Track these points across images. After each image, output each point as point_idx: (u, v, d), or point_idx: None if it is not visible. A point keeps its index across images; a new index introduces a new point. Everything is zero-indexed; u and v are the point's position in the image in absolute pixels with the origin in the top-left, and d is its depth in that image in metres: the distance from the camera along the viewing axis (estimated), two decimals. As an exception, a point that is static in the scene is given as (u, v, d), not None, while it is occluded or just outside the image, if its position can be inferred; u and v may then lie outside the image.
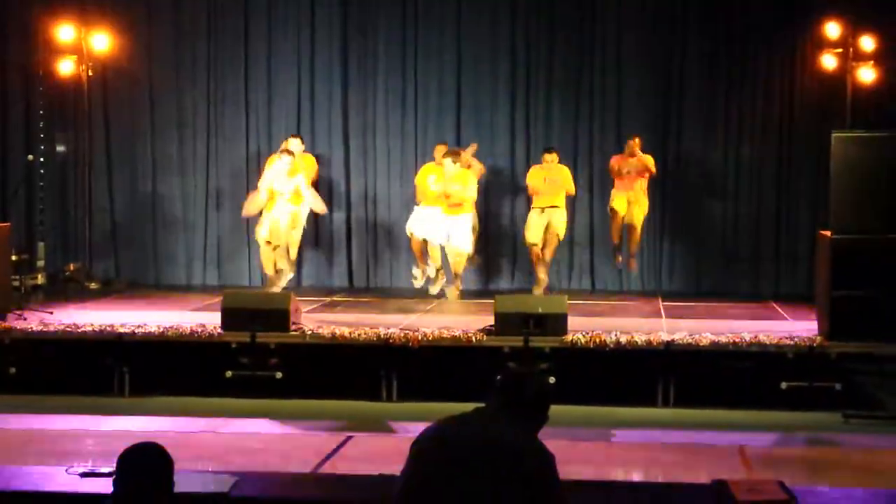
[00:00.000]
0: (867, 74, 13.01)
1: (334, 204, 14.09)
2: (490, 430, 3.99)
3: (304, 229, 12.93)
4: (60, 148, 14.81)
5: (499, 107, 14.26)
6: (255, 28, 14.51)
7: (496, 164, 14.07)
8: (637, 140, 13.03)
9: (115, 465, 3.76)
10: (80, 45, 13.76)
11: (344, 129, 14.43)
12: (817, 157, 13.17)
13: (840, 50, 13.08)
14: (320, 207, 12.97)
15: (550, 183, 12.76)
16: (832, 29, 13.03)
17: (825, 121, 13.28)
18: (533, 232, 12.83)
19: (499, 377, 4.30)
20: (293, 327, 10.10)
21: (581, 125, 14.16)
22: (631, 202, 13.00)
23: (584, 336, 9.78)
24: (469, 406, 4.16)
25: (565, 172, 12.90)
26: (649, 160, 12.93)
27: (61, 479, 5.67)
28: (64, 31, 13.66)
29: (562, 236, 12.90)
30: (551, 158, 12.86)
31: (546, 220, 12.77)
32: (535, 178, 12.89)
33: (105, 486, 3.82)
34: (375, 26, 14.37)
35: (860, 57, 13.02)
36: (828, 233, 9.74)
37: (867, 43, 12.96)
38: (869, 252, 9.52)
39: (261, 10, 14.50)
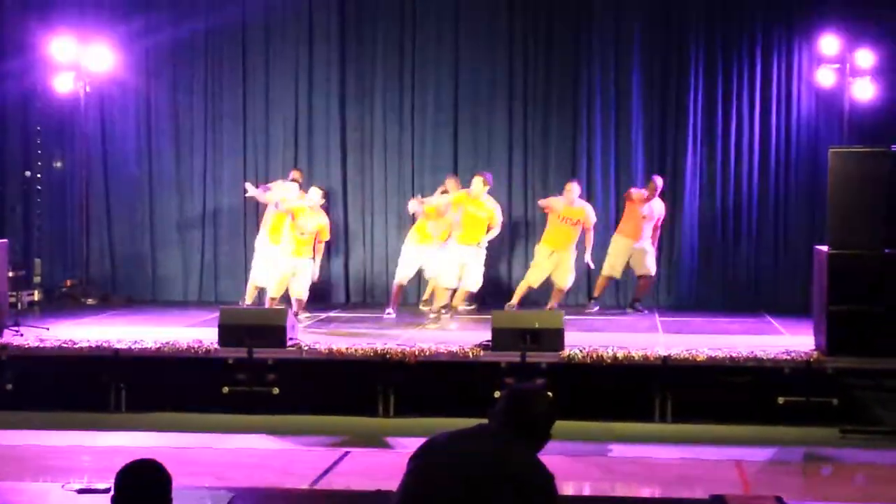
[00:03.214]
0: (864, 90, 13.02)
1: (332, 219, 14.08)
2: (491, 447, 3.95)
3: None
4: (58, 164, 14.81)
5: (496, 123, 14.24)
6: (252, 45, 14.51)
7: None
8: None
9: (112, 481, 3.75)
10: (77, 62, 13.76)
11: (342, 145, 14.42)
12: (814, 172, 13.19)
13: (837, 65, 13.10)
14: None
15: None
16: (829, 44, 13.05)
17: (822, 136, 13.33)
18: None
19: (503, 394, 4.23)
20: (290, 343, 10.10)
21: (579, 140, 14.14)
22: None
23: (580, 351, 9.78)
24: (466, 421, 4.13)
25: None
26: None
27: (58, 495, 5.66)
28: (62, 48, 13.65)
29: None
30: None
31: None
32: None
33: (102, 503, 3.81)
34: (373, 42, 14.36)
35: (857, 72, 13.03)
36: (825, 248, 9.74)
37: (864, 58, 12.97)
38: (866, 267, 9.52)
39: (259, 27, 14.49)
